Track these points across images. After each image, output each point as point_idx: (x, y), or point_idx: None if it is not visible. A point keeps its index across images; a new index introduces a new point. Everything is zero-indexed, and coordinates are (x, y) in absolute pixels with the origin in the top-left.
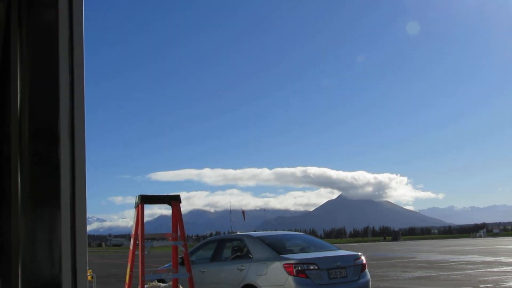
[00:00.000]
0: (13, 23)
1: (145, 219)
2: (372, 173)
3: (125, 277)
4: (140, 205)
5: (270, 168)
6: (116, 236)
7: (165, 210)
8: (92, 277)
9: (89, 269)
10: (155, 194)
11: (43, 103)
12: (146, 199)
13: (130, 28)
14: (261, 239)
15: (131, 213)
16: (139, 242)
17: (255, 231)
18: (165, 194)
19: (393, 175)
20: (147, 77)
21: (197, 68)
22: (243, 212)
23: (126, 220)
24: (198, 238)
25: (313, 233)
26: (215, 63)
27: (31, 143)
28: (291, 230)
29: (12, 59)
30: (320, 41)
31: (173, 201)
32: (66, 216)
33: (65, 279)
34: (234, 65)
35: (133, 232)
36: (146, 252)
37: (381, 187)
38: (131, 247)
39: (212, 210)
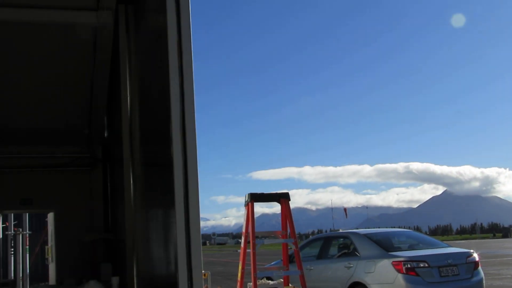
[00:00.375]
0: (121, 29)
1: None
2: (479, 167)
3: (236, 275)
4: (250, 203)
5: (371, 165)
6: (219, 235)
7: (266, 208)
8: (206, 275)
9: None
10: (259, 192)
11: (153, 106)
12: (255, 197)
13: (236, 27)
14: (368, 236)
15: (234, 212)
16: (250, 240)
17: (357, 229)
18: (274, 192)
19: (502, 169)
20: (251, 80)
21: (296, 69)
22: (345, 209)
23: (228, 219)
24: (300, 236)
25: (417, 230)
26: (317, 63)
27: (142, 145)
28: (394, 227)
29: (122, 64)
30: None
31: (282, 198)
32: (180, 215)
33: (181, 276)
34: (339, 63)
35: (243, 230)
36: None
37: (488, 182)
38: (242, 245)
39: (313, 208)
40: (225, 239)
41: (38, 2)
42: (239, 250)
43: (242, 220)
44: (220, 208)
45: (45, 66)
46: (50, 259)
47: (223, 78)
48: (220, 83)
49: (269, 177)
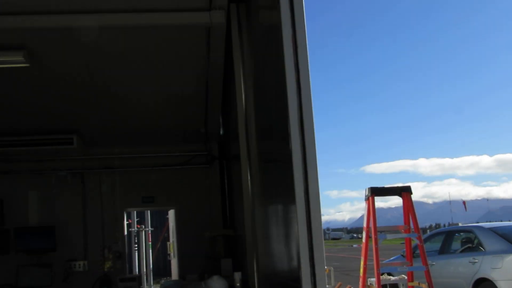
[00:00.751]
0: (234, 28)
1: (360, 212)
2: None
3: (353, 270)
4: (370, 198)
5: (491, 155)
6: (334, 230)
7: (381, 202)
8: (328, 270)
9: None
10: (380, 186)
11: (269, 103)
12: (376, 192)
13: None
14: (493, 230)
15: (347, 207)
16: (372, 234)
17: (478, 222)
18: (395, 186)
19: None
20: (367, 80)
21: (412, 66)
22: (464, 202)
23: (342, 213)
24: None
25: None
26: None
27: (259, 141)
28: None
29: (235, 62)
30: None
31: (404, 192)
32: (301, 210)
33: (304, 272)
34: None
35: (365, 225)
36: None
37: None
38: (363, 240)
39: (430, 201)
40: (339, 234)
41: (153, 5)
42: (354, 245)
43: (357, 215)
44: (334, 202)
45: (162, 68)
46: (172, 254)
47: (336, 73)
48: (333, 78)
49: (382, 170)
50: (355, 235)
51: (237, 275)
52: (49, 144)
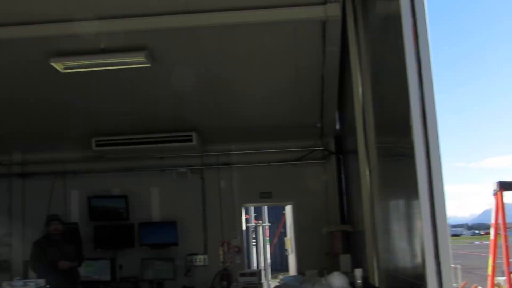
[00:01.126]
0: (349, 20)
1: (481, 208)
2: None
3: (477, 268)
4: (499, 192)
5: None
6: (454, 226)
7: (506, 198)
8: (455, 268)
9: None
10: (509, 181)
11: (388, 95)
12: (505, 186)
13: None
14: None
15: (468, 202)
16: (502, 231)
17: None
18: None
19: None
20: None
21: None
22: None
23: (463, 209)
24: None
25: None
26: None
27: (377, 135)
28: None
29: (351, 55)
30: None
31: None
32: (425, 206)
33: (429, 269)
34: None
35: (493, 221)
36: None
37: None
38: (492, 237)
39: None
40: (460, 230)
41: (268, 2)
42: (476, 242)
43: (478, 211)
44: (453, 198)
45: (278, 64)
46: (289, 250)
47: (457, 60)
48: (454, 66)
49: (506, 164)
50: (476, 231)
51: (358, 272)
52: (170, 142)
